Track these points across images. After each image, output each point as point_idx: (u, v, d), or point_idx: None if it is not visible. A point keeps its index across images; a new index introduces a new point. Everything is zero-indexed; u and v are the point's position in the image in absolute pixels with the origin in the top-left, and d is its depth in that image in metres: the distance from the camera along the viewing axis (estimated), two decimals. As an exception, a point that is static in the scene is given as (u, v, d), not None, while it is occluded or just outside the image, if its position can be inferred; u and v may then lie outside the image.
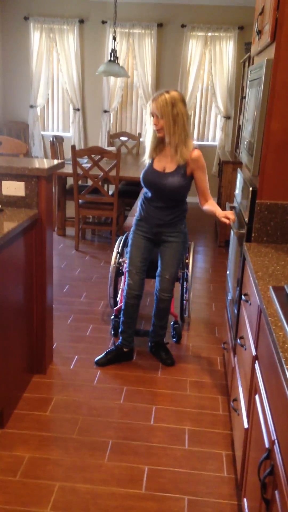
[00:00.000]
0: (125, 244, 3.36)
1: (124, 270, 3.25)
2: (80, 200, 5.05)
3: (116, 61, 5.80)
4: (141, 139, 6.81)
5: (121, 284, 3.43)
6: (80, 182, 5.34)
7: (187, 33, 6.95)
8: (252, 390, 1.83)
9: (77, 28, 7.10)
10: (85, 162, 5.41)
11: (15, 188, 2.58)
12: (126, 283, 2.96)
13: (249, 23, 6.56)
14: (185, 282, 3.49)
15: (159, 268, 2.93)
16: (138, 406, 2.63)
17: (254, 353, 1.84)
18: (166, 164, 2.79)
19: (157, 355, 3.11)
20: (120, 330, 3.04)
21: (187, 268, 3.41)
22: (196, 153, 2.76)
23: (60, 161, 2.76)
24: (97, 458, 2.24)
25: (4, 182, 2.58)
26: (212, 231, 6.22)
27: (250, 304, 2.03)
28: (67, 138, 7.36)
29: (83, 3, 7.06)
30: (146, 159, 2.86)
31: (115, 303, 3.47)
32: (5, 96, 7.54)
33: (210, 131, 7.47)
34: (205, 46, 7.02)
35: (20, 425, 2.43)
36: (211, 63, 7.06)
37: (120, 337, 3.04)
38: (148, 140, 2.82)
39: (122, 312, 3.01)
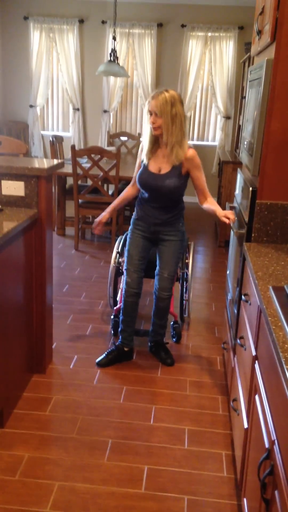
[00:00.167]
0: (124, 244, 3.36)
1: (123, 269, 3.25)
2: (79, 200, 5.05)
3: (116, 61, 5.80)
4: (140, 139, 6.80)
5: (121, 284, 3.42)
6: (79, 182, 5.34)
7: (187, 33, 6.95)
8: (252, 390, 1.83)
9: (77, 28, 7.10)
10: (84, 162, 5.40)
11: (14, 188, 2.58)
12: (124, 281, 2.97)
13: (249, 23, 6.57)
14: (185, 282, 3.49)
15: (157, 267, 2.94)
16: (137, 406, 2.63)
17: (254, 353, 1.84)
18: (161, 165, 2.78)
19: (157, 355, 3.11)
20: (119, 329, 3.04)
21: (187, 268, 3.42)
22: (191, 152, 2.75)
23: (59, 161, 2.76)
24: (97, 458, 2.24)
25: (4, 182, 2.58)
26: (212, 231, 6.22)
27: (250, 304, 2.03)
28: (67, 138, 7.37)
29: (83, 3, 7.06)
30: (143, 159, 2.83)
31: (115, 303, 3.47)
32: (5, 96, 7.54)
33: (210, 131, 7.47)
34: (205, 46, 7.02)
35: (20, 425, 2.43)
36: (211, 63, 7.06)
37: (120, 336, 3.04)
38: (145, 139, 2.80)
39: (121, 310, 3.01)
